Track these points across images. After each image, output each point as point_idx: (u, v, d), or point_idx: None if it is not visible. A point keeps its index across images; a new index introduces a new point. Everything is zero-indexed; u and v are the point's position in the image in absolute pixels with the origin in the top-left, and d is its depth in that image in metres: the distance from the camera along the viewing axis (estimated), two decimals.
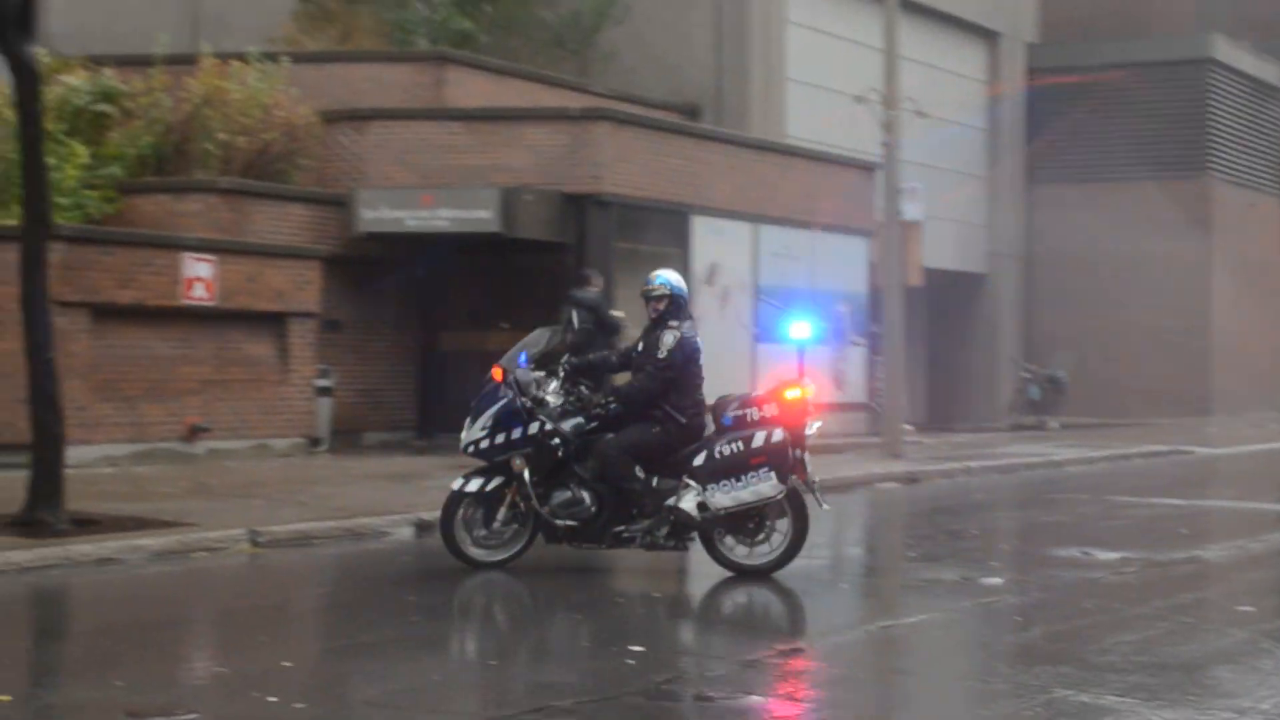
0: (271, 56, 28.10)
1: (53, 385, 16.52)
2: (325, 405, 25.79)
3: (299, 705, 9.81)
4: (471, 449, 15.04)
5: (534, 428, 14.88)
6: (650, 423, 14.84)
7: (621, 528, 14.91)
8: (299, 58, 28.91)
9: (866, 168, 33.39)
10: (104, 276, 22.56)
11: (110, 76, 26.95)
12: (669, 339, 14.90)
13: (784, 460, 14.86)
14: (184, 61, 27.84)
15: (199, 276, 23.73)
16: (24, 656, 11.88)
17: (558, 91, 31.56)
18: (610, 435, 14.84)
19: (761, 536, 14.99)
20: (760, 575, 14.82)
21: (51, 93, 24.48)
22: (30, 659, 11.83)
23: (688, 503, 14.69)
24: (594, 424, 14.99)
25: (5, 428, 21.32)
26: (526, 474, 14.83)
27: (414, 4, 35.01)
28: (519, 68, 32.35)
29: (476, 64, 30.97)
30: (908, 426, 30.43)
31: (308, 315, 25.47)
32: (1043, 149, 44.88)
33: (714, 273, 30.41)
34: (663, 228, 29.38)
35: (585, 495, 14.85)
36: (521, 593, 14.41)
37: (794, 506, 14.95)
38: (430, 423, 28.54)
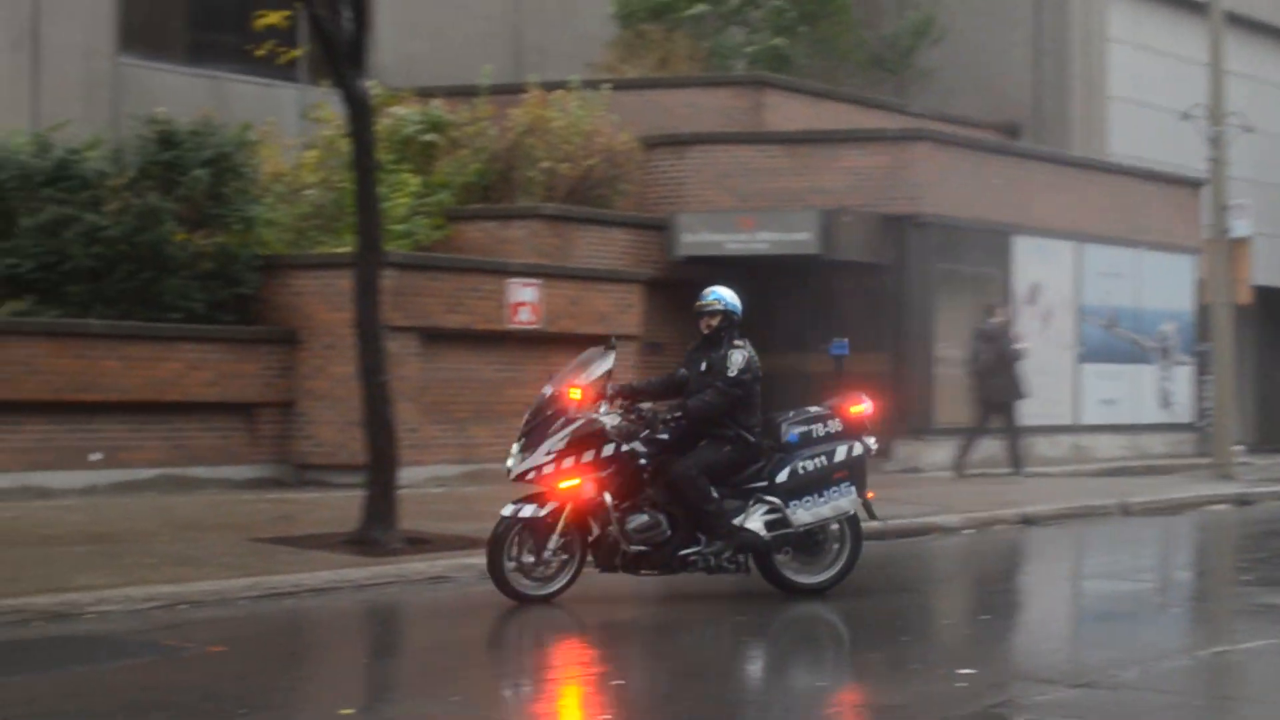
0: (592, 84, 28.49)
1: (386, 408, 16.95)
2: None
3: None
4: (533, 475, 14.24)
5: (611, 449, 14.29)
6: (721, 442, 14.53)
7: (687, 551, 14.49)
8: (618, 85, 29.27)
9: (1193, 184, 32.74)
10: (433, 302, 23.08)
11: (438, 107, 27.59)
12: (738, 358, 14.63)
13: (864, 474, 14.87)
14: (508, 91, 28.36)
15: (524, 301, 24.14)
16: (363, 671, 12.21)
17: (875, 113, 31.49)
18: (684, 456, 14.41)
19: (821, 554, 14.82)
20: (815, 594, 14.66)
21: (382, 124, 25.12)
22: (368, 674, 12.14)
23: (754, 522, 14.47)
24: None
25: (341, 449, 21.94)
26: (608, 497, 14.23)
27: (731, 29, 35.24)
28: (836, 90, 32.36)
29: (793, 87, 31.05)
30: (1238, 447, 29.71)
31: (630, 338, 25.72)
32: None
33: (1036, 293, 30.05)
34: (983, 248, 29.13)
35: (662, 518, 14.39)
36: (834, 614, 14.35)
37: (850, 523, 14.89)
38: None
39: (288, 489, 21.76)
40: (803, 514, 14.56)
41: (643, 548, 14.30)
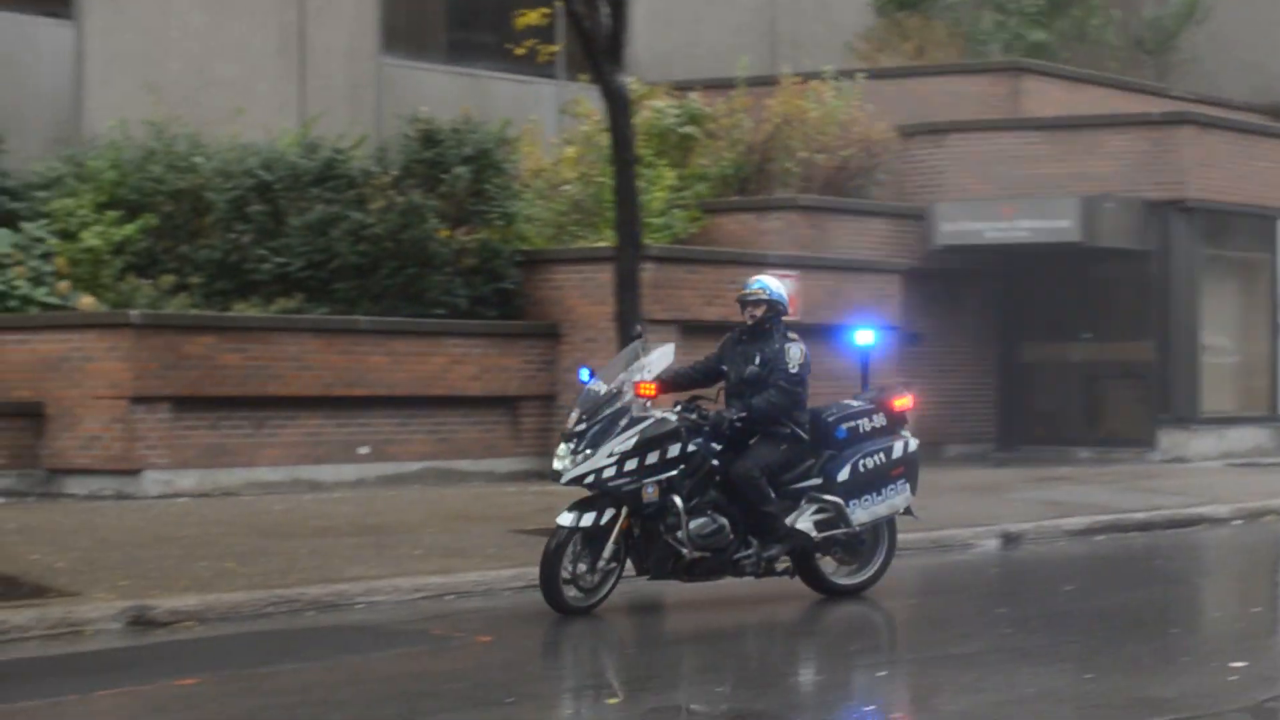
0: (848, 74, 28.40)
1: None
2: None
3: (895, 715, 9.90)
4: (592, 479, 13.19)
5: (677, 449, 13.37)
6: (777, 440, 13.73)
7: (741, 554, 13.70)
8: (874, 74, 29.12)
9: None
10: (691, 294, 23.19)
11: (694, 100, 27.70)
12: (795, 352, 13.77)
13: (916, 471, 14.33)
14: (763, 83, 28.37)
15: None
16: (629, 664, 12.32)
17: (1136, 97, 30.96)
18: (741, 456, 13.64)
19: (861, 554, 14.23)
20: (852, 595, 14.15)
21: (639, 117, 25.30)
22: (634, 665, 12.24)
23: (805, 522, 13.79)
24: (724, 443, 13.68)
25: None
26: (678, 500, 13.32)
27: (987, 15, 34.90)
28: (1095, 74, 31.89)
29: (1051, 72, 30.66)
30: None
31: (889, 329, 25.61)
32: None
33: None
34: (1250, 233, 28.54)
35: (724, 522, 13.57)
36: (1102, 607, 14.17)
37: (888, 521, 14.38)
38: (1011, 434, 28.36)
39: (550, 482, 21.97)
40: (861, 513, 13.97)
41: (705, 553, 13.47)
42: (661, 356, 13.58)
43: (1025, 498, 20.94)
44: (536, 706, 10.42)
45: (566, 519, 13.14)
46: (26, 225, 20.90)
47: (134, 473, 19.04)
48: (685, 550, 13.37)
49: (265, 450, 20.06)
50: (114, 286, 21.03)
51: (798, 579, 14.09)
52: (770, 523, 13.68)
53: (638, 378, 13.38)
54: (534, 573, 14.15)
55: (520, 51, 22.68)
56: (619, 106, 17.50)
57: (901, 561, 16.70)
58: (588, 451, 13.18)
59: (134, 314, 19.50)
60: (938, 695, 10.74)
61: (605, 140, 19.53)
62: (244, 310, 21.11)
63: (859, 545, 14.18)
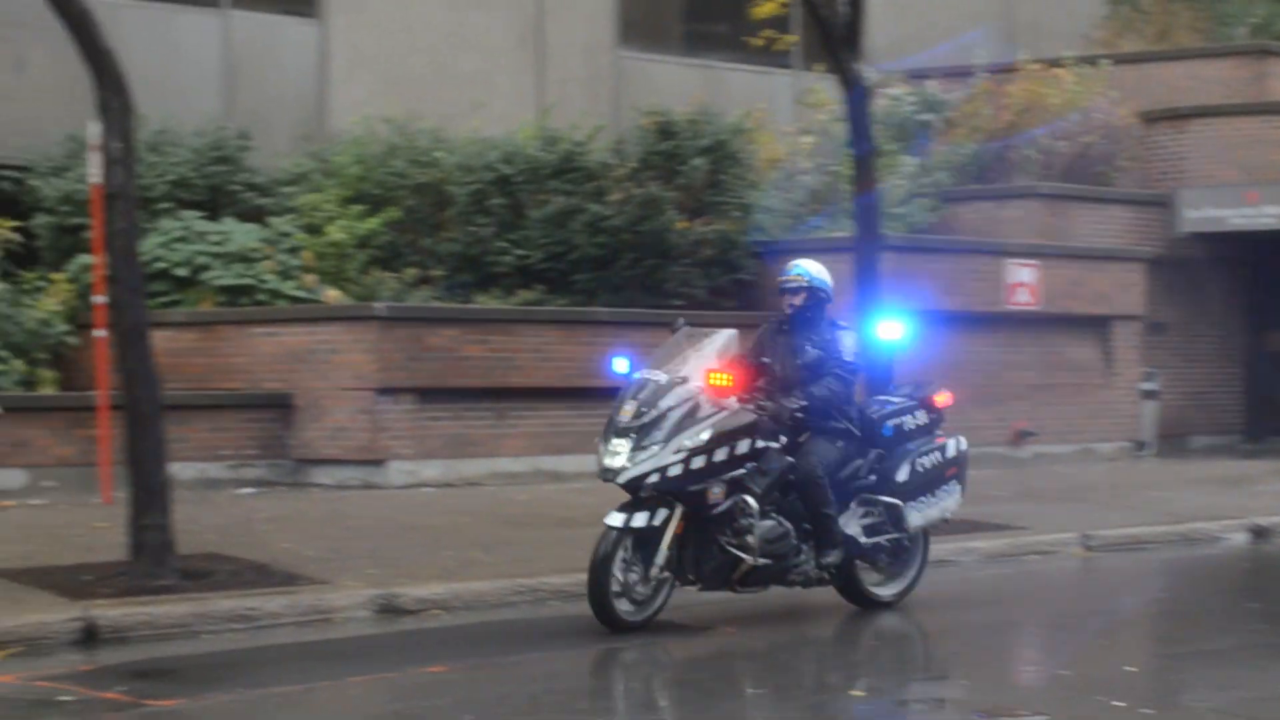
0: (1089, 60, 28.00)
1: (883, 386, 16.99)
2: (1151, 408, 25.50)
3: (1146, 711, 9.76)
4: (656, 478, 11.79)
5: (747, 445, 12.14)
6: (833, 436, 12.67)
7: (796, 561, 12.55)
8: (1115, 59, 28.68)
9: None
10: (930, 284, 23.02)
11: (932, 88, 27.49)
12: (849, 340, 12.78)
13: (966, 471, 13.31)
14: (1001, 70, 28.08)
15: (1022, 281, 23.89)
16: (872, 655, 12.29)
17: None
18: (801, 453, 12.53)
19: (899, 561, 13.12)
20: (887, 607, 13.13)
21: (877, 105, 25.17)
22: (875, 658, 12.21)
23: (853, 527, 12.76)
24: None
25: None
26: (753, 502, 12.11)
27: None
28: None
29: None
30: None
31: (1132, 318, 25.26)
32: None
33: None
34: None
35: (790, 526, 12.43)
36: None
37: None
38: (1259, 425, 27.82)
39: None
40: (915, 516, 12.97)
41: (768, 561, 12.29)
42: (727, 343, 12.29)
43: (1274, 490, 20.49)
44: (778, 697, 10.43)
45: (615, 519, 11.78)
46: (274, 220, 21.33)
47: (379, 463, 19.36)
48: (749, 557, 12.13)
49: (507, 441, 20.27)
50: (358, 280, 21.41)
51: (829, 589, 13.03)
52: (829, 526, 12.53)
53: (706, 365, 11.98)
54: None
55: (758, 42, 22.66)
56: (857, 95, 17.41)
57: (1147, 554, 16.48)
58: (654, 447, 11.77)
59: (378, 306, 19.81)
60: (1190, 690, 10.58)
61: (842, 129, 19.44)
62: (485, 302, 21.37)
63: (903, 552, 13.12)
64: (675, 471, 11.79)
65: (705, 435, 11.88)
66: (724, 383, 11.94)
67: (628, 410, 11.87)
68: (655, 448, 11.76)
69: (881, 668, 11.69)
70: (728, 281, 22.90)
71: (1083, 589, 15.20)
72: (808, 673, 11.50)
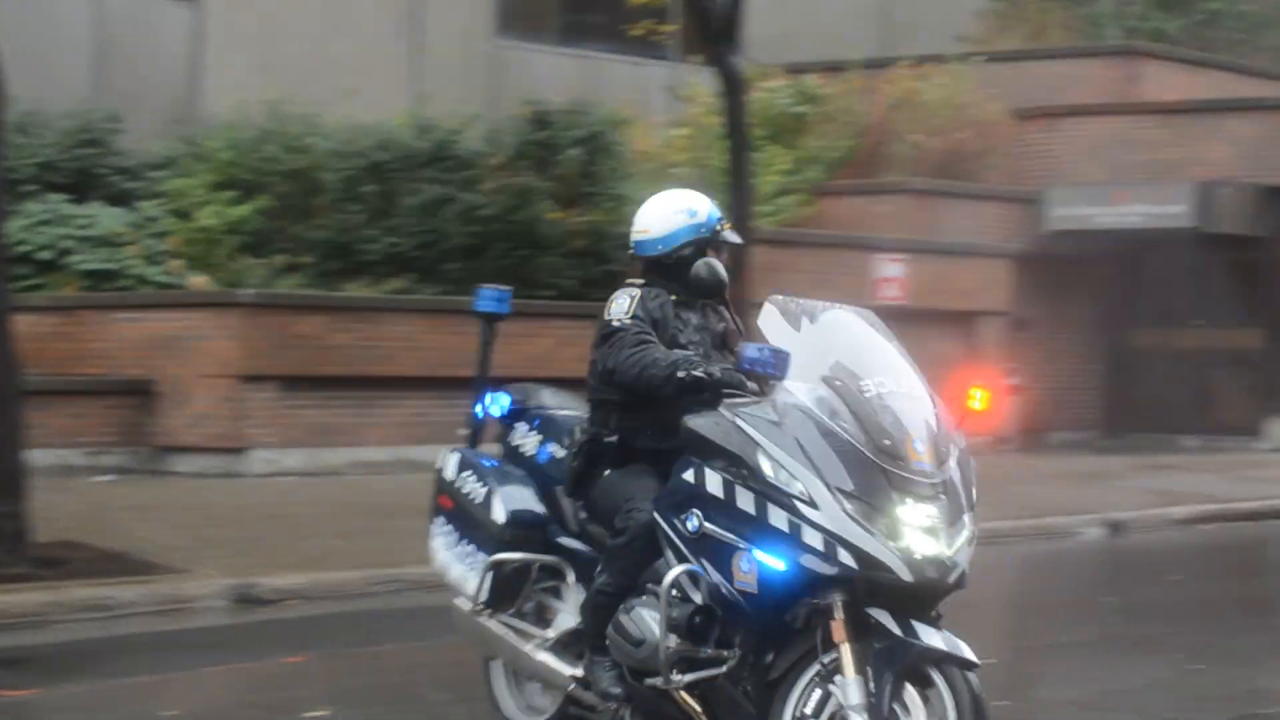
0: (964, 57, 28.23)
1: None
2: (1013, 404, 25.72)
3: (1002, 703, 9.83)
4: (961, 572, 7.37)
5: None
6: None
7: None
8: (990, 57, 28.93)
9: None
10: (800, 278, 23.08)
11: (810, 81, 27.60)
12: None
13: None
14: (878, 65, 28.25)
15: (890, 276, 24.06)
16: None
17: (1256, 82, 30.56)
18: None
19: None
20: None
21: (753, 99, 25.27)
22: None
23: None
24: None
25: None
26: None
27: None
28: (1213, 58, 31.51)
29: (1169, 56, 30.34)
30: None
31: (997, 314, 25.49)
32: None
33: None
34: None
35: None
36: (1219, 596, 14.03)
37: None
38: (1117, 422, 28.12)
39: None
40: None
41: None
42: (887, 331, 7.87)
43: (1131, 486, 20.76)
44: None
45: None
46: (143, 204, 21.12)
47: (241, 451, 19.21)
48: None
49: (372, 430, 20.18)
50: (227, 266, 21.24)
51: None
52: None
53: (910, 369, 7.63)
54: None
55: (636, 32, 22.68)
56: (733, 88, 17.45)
57: (1004, 549, 16.65)
58: (965, 518, 7.38)
59: (244, 293, 19.68)
60: (1046, 683, 10.69)
61: (717, 123, 19.50)
62: (354, 291, 21.25)
63: None
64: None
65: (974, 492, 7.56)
66: (982, 406, 7.85)
67: (924, 455, 7.29)
68: (966, 518, 7.40)
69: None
70: (599, 273, 22.87)
71: None
72: None
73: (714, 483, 7.39)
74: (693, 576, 7.43)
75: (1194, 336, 27.99)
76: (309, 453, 19.59)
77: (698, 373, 7.63)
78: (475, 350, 9.35)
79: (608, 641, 7.68)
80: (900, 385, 7.46)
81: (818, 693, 7.16)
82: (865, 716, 6.98)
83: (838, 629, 7.06)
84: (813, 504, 7.10)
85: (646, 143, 25.85)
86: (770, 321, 7.60)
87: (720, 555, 7.31)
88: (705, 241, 8.26)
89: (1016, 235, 26.84)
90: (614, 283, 24.32)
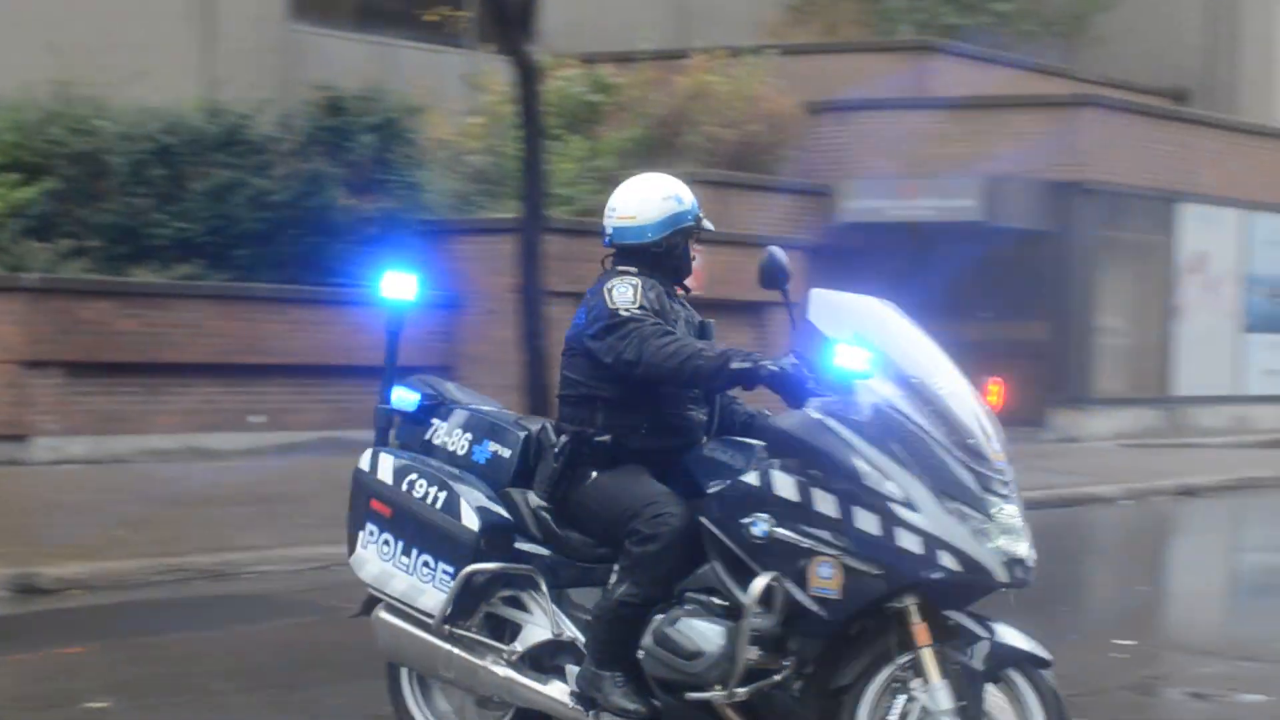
0: (757, 50, 28.44)
1: (544, 372, 17.07)
2: None
3: None
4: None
5: None
6: None
7: None
8: (785, 50, 29.18)
9: None
10: (594, 267, 23.03)
11: (605, 71, 27.65)
12: None
13: None
14: (673, 57, 28.38)
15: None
16: None
17: (1044, 79, 31.15)
18: None
19: None
20: None
21: (549, 88, 25.26)
22: None
23: None
24: None
25: None
26: None
27: None
28: (1004, 55, 32.02)
29: (960, 52, 30.76)
30: None
31: (791, 305, 25.71)
32: None
33: (1201, 262, 29.65)
34: (1147, 216, 28.80)
35: None
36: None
37: None
38: None
39: None
40: None
41: None
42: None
43: None
44: None
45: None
46: None
47: (24, 438, 18.88)
48: None
49: (159, 417, 19.93)
50: (10, 250, 20.82)
51: None
52: None
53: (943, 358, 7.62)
54: None
55: (431, 18, 22.61)
56: (528, 77, 17.44)
57: None
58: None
59: (27, 277, 19.33)
60: None
61: (512, 111, 19.47)
62: (142, 276, 20.94)
63: None
64: None
65: None
66: (997, 400, 7.98)
67: (999, 449, 7.35)
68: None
69: None
70: (393, 260, 22.76)
71: None
72: None
73: (785, 485, 7.10)
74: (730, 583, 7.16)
75: (981, 328, 28.42)
76: (94, 440, 19.30)
77: (748, 364, 7.31)
78: (382, 340, 8.55)
79: (640, 654, 7.24)
80: (957, 382, 7.42)
81: (900, 699, 6.98)
82: None
83: (921, 632, 6.92)
84: (910, 506, 6.92)
85: (441, 130, 25.76)
86: (823, 315, 7.52)
87: (793, 561, 7.02)
88: (690, 230, 8.10)
89: (809, 227, 27.11)
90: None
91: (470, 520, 7.59)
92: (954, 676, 6.88)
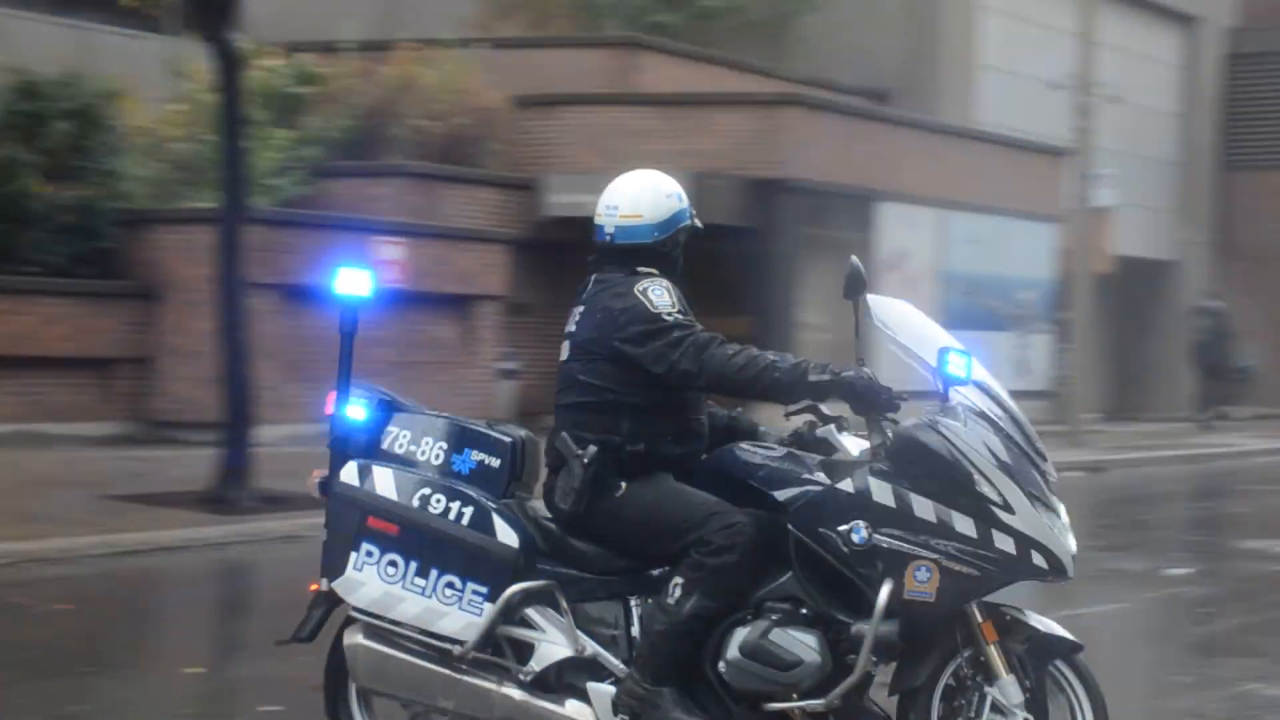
0: (464, 42, 28.38)
1: (244, 365, 16.85)
2: (509, 387, 26.02)
3: None
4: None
5: None
6: None
7: None
8: (494, 43, 29.15)
9: (1056, 153, 33.08)
10: (297, 258, 22.91)
11: (309, 61, 27.37)
12: None
13: None
14: (379, 47, 28.19)
15: (389, 259, 24.01)
16: (213, 630, 12.16)
17: (749, 77, 31.56)
18: None
19: None
20: None
21: (252, 77, 24.93)
22: (219, 632, 12.09)
23: None
24: None
25: (197, 406, 21.70)
26: None
27: None
28: (711, 53, 32.37)
29: (668, 49, 31.03)
30: (1092, 415, 30.13)
31: (493, 298, 25.72)
32: (1239, 134, 44.06)
33: (900, 259, 30.26)
34: (848, 214, 29.27)
35: None
36: None
37: None
38: None
39: (143, 446, 21.52)
40: None
41: None
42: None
43: None
44: (115, 675, 10.21)
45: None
46: None
47: None
48: None
49: None
50: None
51: None
52: None
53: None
54: (120, 539, 13.83)
55: (128, 3, 22.13)
56: (229, 65, 17.17)
57: None
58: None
59: None
60: None
61: (213, 99, 19.16)
62: None
63: None
64: None
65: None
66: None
67: (1040, 444, 7.42)
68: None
69: (227, 641, 11.56)
70: (89, 249, 22.29)
71: None
72: (129, 646, 11.29)
73: (883, 492, 7.09)
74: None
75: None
76: None
77: (826, 376, 7.30)
78: (335, 341, 7.76)
79: (722, 668, 7.06)
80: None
81: (970, 695, 7.12)
82: (1029, 714, 7.06)
83: (989, 629, 7.08)
84: (1008, 508, 7.03)
85: (142, 118, 25.27)
86: (889, 318, 7.64)
87: (892, 566, 6.99)
88: (688, 228, 7.83)
89: (514, 221, 27.13)
90: (104, 259, 23.90)
91: (508, 537, 7.16)
92: (1018, 670, 7.11)
